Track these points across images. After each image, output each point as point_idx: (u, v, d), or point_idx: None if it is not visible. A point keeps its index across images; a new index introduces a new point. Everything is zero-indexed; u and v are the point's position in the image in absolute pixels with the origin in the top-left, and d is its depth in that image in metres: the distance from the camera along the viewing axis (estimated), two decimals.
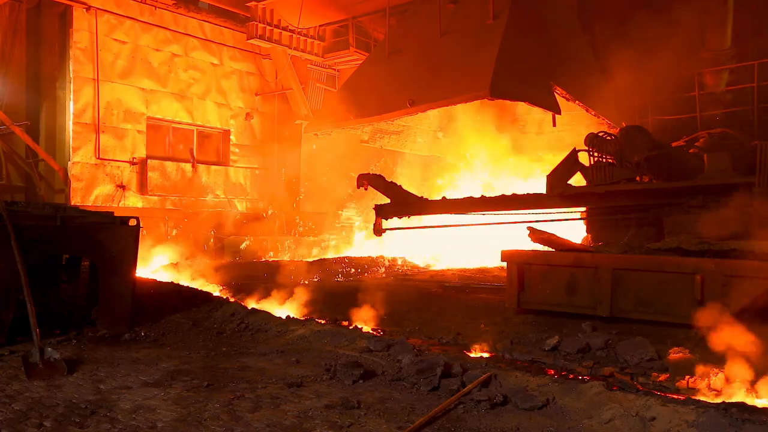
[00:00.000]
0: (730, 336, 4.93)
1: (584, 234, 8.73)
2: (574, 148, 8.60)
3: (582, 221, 8.67)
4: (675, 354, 5.08)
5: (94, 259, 5.94)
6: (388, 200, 8.99)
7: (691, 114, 11.28)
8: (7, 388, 4.11)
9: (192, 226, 13.97)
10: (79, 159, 12.90)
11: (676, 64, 10.66)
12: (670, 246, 6.19)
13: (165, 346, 5.49)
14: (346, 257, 12.67)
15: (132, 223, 5.98)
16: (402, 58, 12.75)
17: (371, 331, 6.32)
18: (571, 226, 8.65)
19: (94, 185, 13.14)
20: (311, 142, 15.64)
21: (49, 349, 4.66)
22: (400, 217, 8.91)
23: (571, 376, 4.76)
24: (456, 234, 10.34)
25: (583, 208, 8.51)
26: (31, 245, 5.30)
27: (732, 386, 4.36)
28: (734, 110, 10.98)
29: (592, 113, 11.72)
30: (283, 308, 7.57)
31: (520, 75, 10.79)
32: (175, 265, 10.97)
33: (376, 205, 9.07)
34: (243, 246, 14.16)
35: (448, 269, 11.22)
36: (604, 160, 8.22)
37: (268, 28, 15.76)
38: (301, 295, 7.87)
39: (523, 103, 11.25)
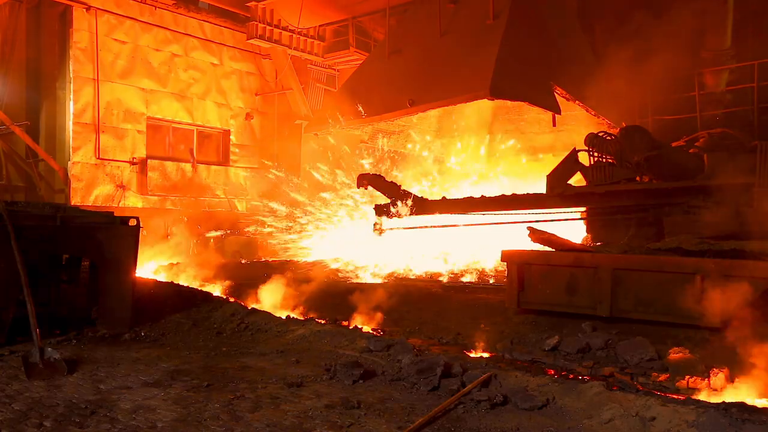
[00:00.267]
0: (731, 336, 4.94)
1: (584, 234, 8.73)
2: (574, 148, 8.60)
3: (582, 221, 8.67)
4: (675, 354, 5.08)
5: (94, 259, 5.94)
6: (388, 200, 8.99)
7: (691, 114, 11.27)
8: (7, 388, 4.11)
9: (192, 226, 13.97)
10: (79, 159, 12.90)
11: (676, 64, 10.65)
12: (670, 246, 6.19)
13: (165, 346, 5.49)
14: (345, 257, 12.66)
15: (132, 223, 5.99)
16: (402, 58, 12.76)
17: (371, 331, 6.32)
18: (571, 226, 8.65)
19: (94, 185, 13.15)
20: (311, 142, 15.63)
21: (49, 349, 4.67)
22: (400, 217, 8.92)
23: (571, 376, 4.76)
24: (456, 234, 10.34)
25: (583, 208, 8.52)
26: (31, 245, 5.30)
27: (732, 386, 4.36)
28: (734, 110, 10.97)
29: (592, 113, 11.72)
30: (282, 308, 7.56)
31: (520, 75, 10.79)
32: (175, 265, 10.96)
33: (376, 204, 9.07)
34: (243, 246, 14.16)
35: (448, 269, 11.21)
36: (604, 160, 8.23)
37: (268, 28, 15.78)
38: (301, 294, 7.86)
39: (523, 103, 11.24)
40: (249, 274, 10.35)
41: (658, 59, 10.51)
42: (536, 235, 6.65)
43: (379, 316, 6.94)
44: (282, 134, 16.95)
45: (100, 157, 13.20)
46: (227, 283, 9.33)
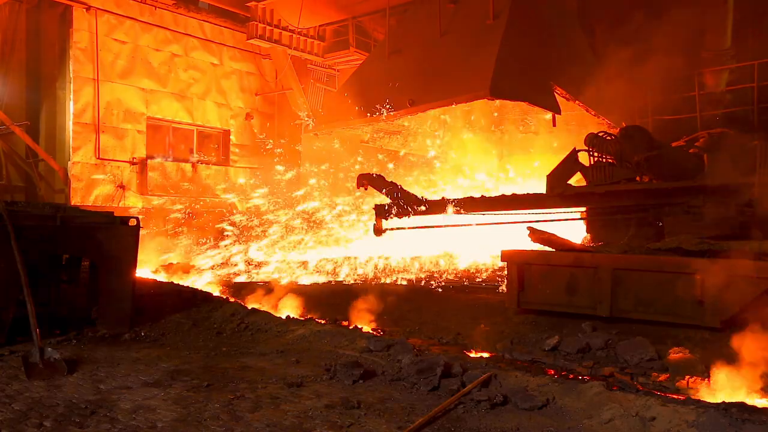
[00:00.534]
0: (731, 336, 4.94)
1: (584, 234, 8.73)
2: (574, 148, 8.60)
3: (582, 221, 8.67)
4: (675, 354, 5.08)
5: (94, 259, 5.94)
6: (388, 200, 8.99)
7: (691, 114, 11.28)
8: (7, 388, 4.11)
9: (192, 225, 13.97)
10: (79, 159, 12.90)
11: (676, 64, 10.65)
12: (670, 246, 6.19)
13: (165, 346, 5.49)
14: (345, 257, 12.65)
15: (132, 223, 5.99)
16: (402, 58, 12.76)
17: (371, 331, 6.32)
18: (571, 226, 8.65)
19: (94, 185, 13.15)
20: (311, 142, 15.64)
21: (49, 349, 4.66)
22: (400, 217, 8.91)
23: (571, 376, 4.76)
24: (456, 234, 10.34)
25: (583, 208, 8.51)
26: (31, 245, 5.30)
27: (732, 386, 4.36)
28: (734, 110, 10.98)
29: (592, 113, 11.72)
30: (282, 308, 7.56)
31: (520, 75, 10.80)
32: (175, 265, 10.96)
33: (376, 205, 9.07)
34: (243, 245, 14.14)
35: (448, 269, 11.20)
36: (604, 160, 8.22)
37: (268, 28, 15.77)
38: (301, 294, 7.86)
39: (523, 103, 11.25)
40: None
41: (658, 59, 10.51)
42: (536, 235, 6.65)
43: (379, 316, 6.94)
44: (282, 134, 16.95)
45: (100, 157, 13.20)
46: (227, 282, 9.34)
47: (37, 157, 12.77)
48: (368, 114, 12.58)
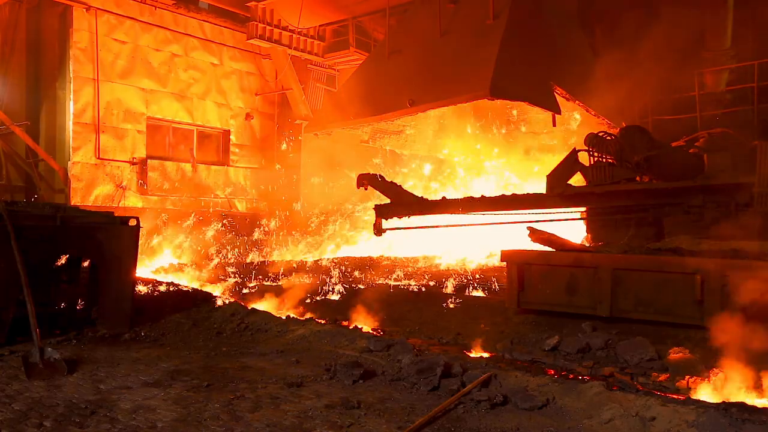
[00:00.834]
0: (731, 336, 4.94)
1: (584, 234, 8.72)
2: (574, 148, 8.59)
3: (582, 221, 8.66)
4: (675, 354, 5.08)
5: (94, 259, 5.94)
6: (388, 200, 8.98)
7: (691, 114, 11.28)
8: (7, 388, 4.11)
9: (192, 225, 13.97)
10: (79, 159, 12.91)
11: (676, 64, 10.66)
12: (670, 246, 6.19)
13: (165, 346, 5.49)
14: (346, 257, 12.67)
15: (132, 223, 5.99)
16: (402, 58, 12.76)
17: (371, 331, 6.32)
18: (571, 226, 8.65)
19: (94, 185, 13.15)
20: (311, 142, 15.63)
21: (49, 349, 4.67)
22: (400, 217, 8.91)
23: (571, 376, 4.76)
24: (456, 234, 10.34)
25: (583, 208, 8.51)
26: (31, 245, 5.30)
27: (732, 386, 4.36)
28: (734, 110, 10.98)
29: (592, 113, 11.72)
30: (282, 308, 7.56)
31: (520, 75, 10.80)
32: (175, 265, 10.97)
33: (376, 205, 9.06)
34: (243, 246, 14.16)
35: (449, 269, 11.21)
36: (604, 160, 8.22)
37: (268, 28, 15.78)
38: (302, 294, 7.86)
39: (523, 103, 11.25)
40: (249, 273, 10.37)
41: (658, 59, 10.51)
42: (536, 235, 6.65)
43: (379, 316, 6.94)
44: (282, 134, 16.95)
45: (100, 157, 13.20)
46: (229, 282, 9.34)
47: (37, 157, 12.78)
48: (368, 114, 12.57)
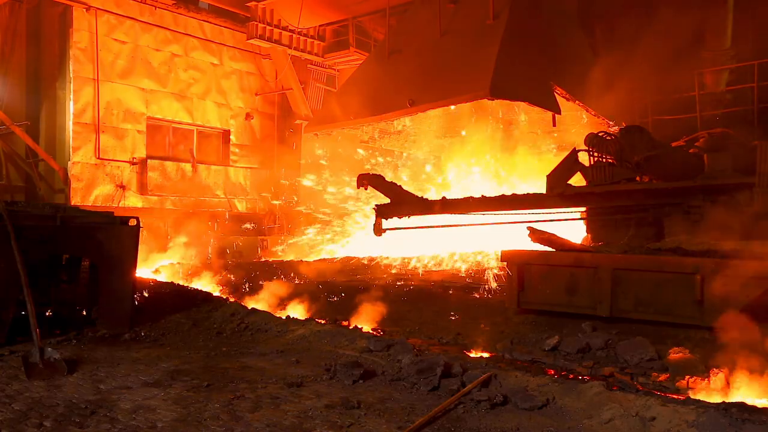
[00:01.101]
0: (732, 335, 4.94)
1: (584, 234, 8.72)
2: (574, 148, 8.59)
3: (582, 221, 8.66)
4: (675, 354, 5.08)
5: (94, 259, 5.94)
6: (388, 200, 8.98)
7: (691, 114, 11.28)
8: (7, 388, 4.11)
9: (192, 225, 13.97)
10: (79, 159, 12.91)
11: (676, 64, 10.65)
12: (670, 246, 6.19)
13: (165, 346, 5.49)
14: (345, 257, 12.68)
15: (132, 223, 5.99)
16: (402, 58, 12.75)
17: (371, 331, 6.32)
18: (571, 226, 8.65)
19: (94, 185, 13.15)
20: (311, 142, 15.63)
21: (49, 349, 4.67)
22: (400, 217, 8.91)
23: (571, 376, 4.76)
24: (456, 234, 10.34)
25: (583, 208, 8.51)
26: (31, 245, 5.30)
27: (732, 386, 4.36)
28: (734, 110, 10.97)
29: (592, 113, 11.71)
30: (282, 308, 7.56)
31: (520, 75, 10.79)
32: (175, 265, 10.97)
33: (376, 205, 9.06)
34: (243, 246, 14.17)
35: (449, 269, 11.22)
36: (604, 160, 8.22)
37: (268, 28, 15.78)
38: (301, 294, 7.86)
39: (523, 103, 11.24)
40: (249, 273, 10.37)
41: (657, 59, 10.51)
42: (536, 235, 6.64)
43: (379, 316, 6.94)
44: (282, 134, 16.95)
45: (100, 157, 13.20)
46: (227, 282, 9.34)
47: (37, 157, 12.77)
48: (368, 114, 12.56)
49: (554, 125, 11.27)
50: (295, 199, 16.24)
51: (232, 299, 7.56)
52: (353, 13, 16.19)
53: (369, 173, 9.11)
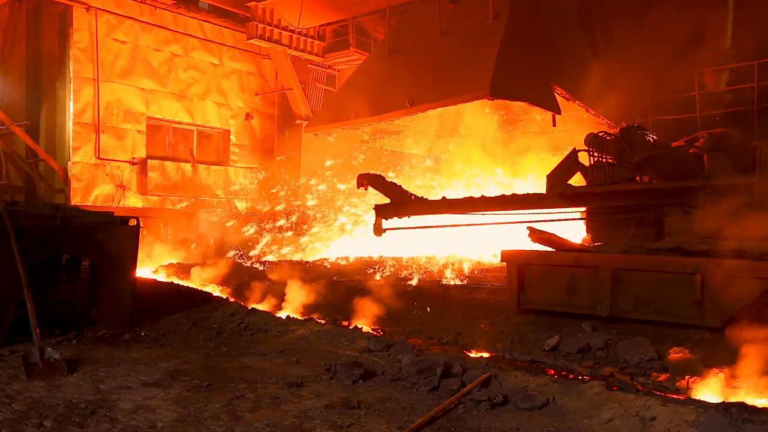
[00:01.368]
0: (731, 336, 4.94)
1: (584, 234, 8.72)
2: (574, 148, 8.59)
3: (582, 221, 8.66)
4: (675, 354, 5.08)
5: (94, 259, 5.94)
6: (388, 200, 8.99)
7: (691, 114, 11.28)
8: (7, 388, 4.11)
9: (192, 226, 13.98)
10: (79, 159, 12.91)
11: (676, 64, 10.65)
12: (670, 246, 6.18)
13: (165, 346, 5.49)
14: (345, 257, 12.67)
15: (132, 223, 5.99)
16: (402, 58, 12.74)
17: (371, 331, 6.32)
18: (571, 226, 8.64)
19: (94, 185, 13.16)
20: (311, 142, 15.63)
21: (49, 349, 4.67)
22: (400, 217, 8.91)
23: (571, 376, 4.76)
24: (456, 234, 10.34)
25: (583, 208, 8.51)
26: (31, 245, 5.30)
27: (732, 386, 4.36)
28: (734, 110, 10.97)
29: (592, 113, 11.71)
30: (282, 308, 7.56)
31: (520, 75, 10.78)
32: (175, 265, 10.97)
33: (376, 205, 9.07)
34: (243, 246, 14.16)
35: (449, 269, 11.21)
36: (604, 160, 8.22)
37: (268, 28, 15.79)
38: (301, 294, 7.86)
39: (523, 103, 11.24)
40: (249, 273, 10.37)
41: (658, 59, 10.50)
42: (536, 235, 6.64)
43: (379, 315, 6.94)
44: (282, 134, 16.96)
45: (100, 157, 13.20)
46: (227, 282, 9.34)
47: (37, 157, 12.78)
48: (368, 114, 12.56)
49: (554, 125, 11.26)
50: (295, 199, 16.24)
51: (231, 299, 7.55)
52: (353, 13, 16.19)
53: (369, 173, 9.11)
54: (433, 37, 12.30)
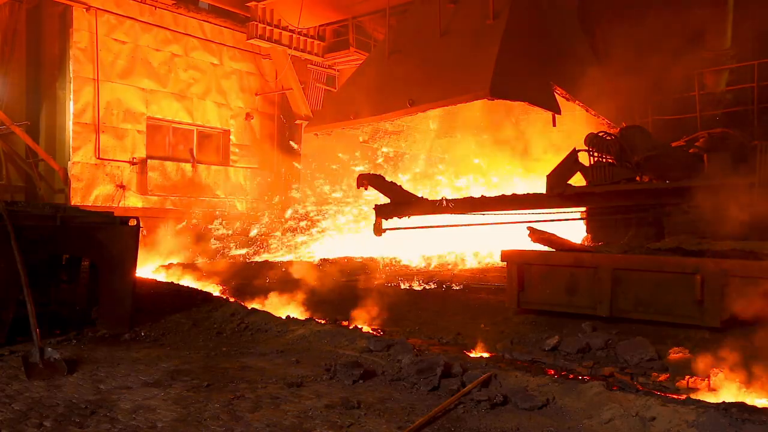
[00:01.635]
0: (731, 336, 4.94)
1: (584, 234, 8.73)
2: (574, 148, 8.59)
3: (582, 221, 8.67)
4: (675, 354, 5.08)
5: (94, 259, 5.94)
6: (388, 200, 8.99)
7: (691, 114, 11.28)
8: (7, 388, 4.11)
9: (192, 226, 13.98)
10: (79, 159, 12.91)
11: (676, 64, 10.66)
12: (670, 246, 6.19)
13: (165, 346, 5.49)
14: (345, 257, 12.68)
15: (132, 223, 5.99)
16: (402, 58, 12.75)
17: (371, 331, 6.32)
18: (571, 226, 8.65)
19: (94, 185, 13.16)
20: (311, 142, 15.63)
21: (49, 349, 4.66)
22: (400, 217, 8.91)
23: (571, 376, 4.76)
24: (456, 234, 10.35)
25: (583, 208, 8.51)
26: (31, 245, 5.30)
27: (732, 386, 4.36)
28: (734, 110, 10.98)
29: (592, 113, 11.71)
30: (282, 308, 7.56)
31: (520, 75, 10.78)
32: (175, 265, 10.97)
33: (376, 205, 9.07)
34: (243, 246, 14.17)
35: (448, 269, 11.22)
36: (604, 160, 8.22)
37: (268, 28, 15.80)
38: (301, 295, 7.86)
39: (523, 103, 11.24)
40: (249, 273, 10.37)
41: (658, 59, 10.51)
42: (536, 235, 6.64)
43: (379, 316, 6.94)
44: (282, 134, 16.96)
45: (100, 157, 13.21)
46: (227, 282, 9.34)
47: (37, 157, 12.78)
48: (368, 114, 12.57)
49: (554, 125, 11.26)
50: (295, 200, 16.25)
51: (231, 299, 7.55)
52: (353, 13, 16.20)
53: (369, 173, 9.12)
54: (433, 37, 12.31)
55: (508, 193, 8.96)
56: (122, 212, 10.58)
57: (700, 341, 5.28)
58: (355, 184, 9.20)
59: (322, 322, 6.46)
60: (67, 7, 12.86)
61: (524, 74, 10.84)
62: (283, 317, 6.46)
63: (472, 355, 5.50)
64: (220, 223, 14.68)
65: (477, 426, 3.54)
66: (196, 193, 14.94)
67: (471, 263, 11.59)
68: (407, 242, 12.40)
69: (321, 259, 12.79)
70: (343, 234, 15.05)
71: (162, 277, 9.74)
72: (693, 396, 4.23)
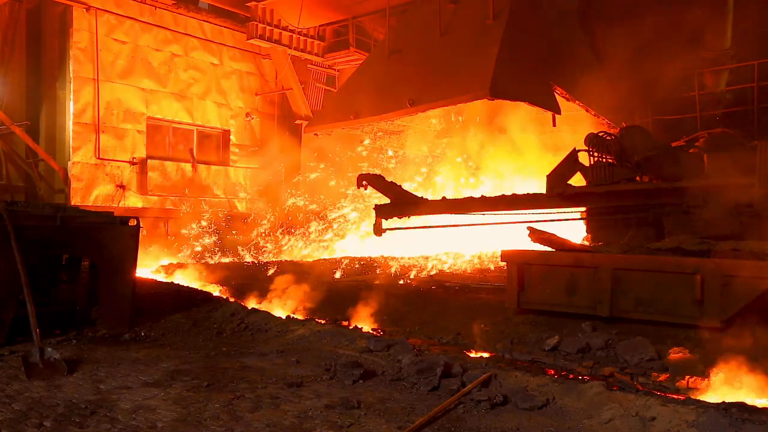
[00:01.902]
0: (731, 336, 4.94)
1: (584, 234, 8.72)
2: (574, 148, 8.59)
3: (582, 221, 8.66)
4: (675, 354, 5.08)
5: (94, 259, 5.94)
6: (388, 200, 8.99)
7: (691, 114, 11.28)
8: (7, 388, 4.11)
9: (192, 226, 13.98)
10: (79, 159, 12.91)
11: (676, 64, 10.66)
12: (670, 246, 6.18)
13: (165, 346, 5.49)
14: (345, 257, 12.68)
15: (132, 223, 5.99)
16: (402, 58, 12.75)
17: (371, 331, 6.32)
18: (571, 226, 8.65)
19: (94, 185, 13.16)
20: (311, 142, 15.63)
21: (49, 349, 4.67)
22: (400, 217, 8.91)
23: (571, 376, 4.76)
24: (456, 234, 10.35)
25: (583, 208, 8.51)
26: (31, 245, 5.30)
27: (732, 386, 4.36)
28: (734, 110, 10.98)
29: (592, 113, 11.71)
30: (282, 308, 7.56)
31: (520, 75, 10.78)
32: (175, 265, 10.97)
33: (376, 205, 9.07)
34: (243, 246, 14.18)
35: (448, 269, 11.22)
36: (604, 160, 8.22)
37: (268, 28, 15.80)
38: (301, 295, 7.86)
39: (523, 103, 11.24)
40: (249, 273, 10.38)
41: (658, 59, 10.51)
42: (536, 235, 6.64)
43: (379, 316, 6.94)
44: (282, 134, 16.96)
45: (100, 157, 13.21)
46: (227, 282, 9.34)
47: (37, 157, 12.78)
48: (368, 114, 12.57)
49: (554, 125, 11.26)
50: (294, 199, 16.24)
51: (231, 299, 7.56)
52: (353, 13, 16.20)
53: (369, 173, 9.12)
54: (433, 37, 12.31)
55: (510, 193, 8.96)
56: (122, 212, 10.60)
57: (700, 341, 5.27)
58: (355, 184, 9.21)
59: (322, 322, 6.46)
60: (67, 7, 12.86)
61: (524, 74, 10.84)
62: (283, 317, 6.47)
63: (472, 355, 5.50)
64: (220, 223, 14.68)
65: (477, 426, 3.54)
66: (196, 193, 14.94)
67: (471, 263, 11.58)
68: (407, 242, 12.40)
69: (321, 259, 12.80)
70: (342, 234, 15.04)
71: (162, 277, 9.75)
72: (693, 396, 4.23)
